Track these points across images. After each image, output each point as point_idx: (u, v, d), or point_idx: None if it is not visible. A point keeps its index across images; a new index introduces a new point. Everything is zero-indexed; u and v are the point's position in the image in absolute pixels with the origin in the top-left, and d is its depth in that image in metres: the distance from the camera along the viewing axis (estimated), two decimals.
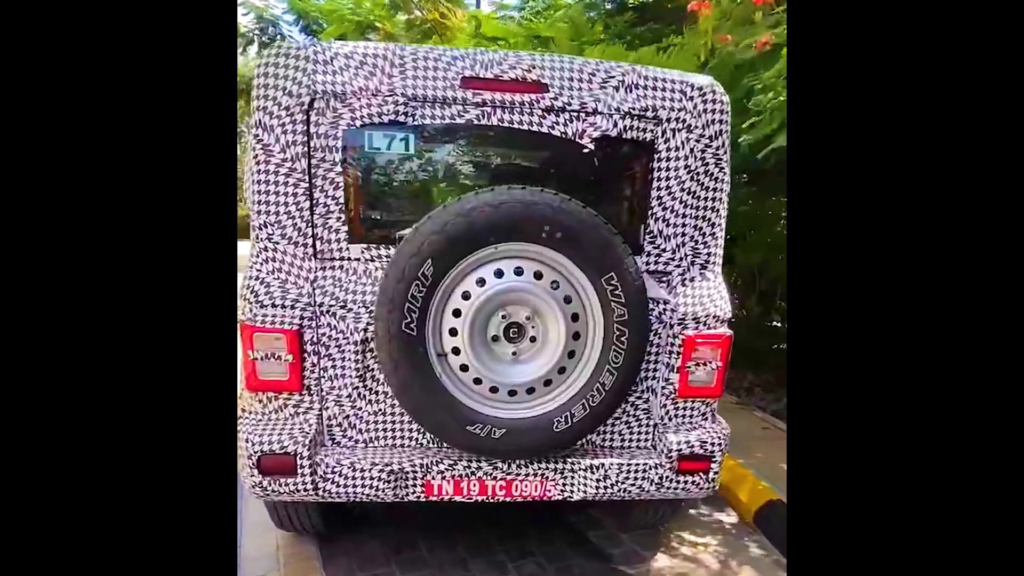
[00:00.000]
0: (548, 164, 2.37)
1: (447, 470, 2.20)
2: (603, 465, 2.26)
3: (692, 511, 3.23)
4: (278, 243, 2.10)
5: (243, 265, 2.14)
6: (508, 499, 2.28)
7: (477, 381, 2.03)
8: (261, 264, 2.11)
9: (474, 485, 2.25)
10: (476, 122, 2.10)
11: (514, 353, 2.04)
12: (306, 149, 2.05)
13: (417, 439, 2.26)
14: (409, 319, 1.90)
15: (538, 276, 1.97)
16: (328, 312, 2.10)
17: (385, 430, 2.24)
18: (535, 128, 2.12)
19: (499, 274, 1.95)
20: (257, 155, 2.05)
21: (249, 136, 2.09)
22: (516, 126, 2.11)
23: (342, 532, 2.83)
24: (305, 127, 2.03)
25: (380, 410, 2.21)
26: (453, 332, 1.98)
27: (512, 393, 2.06)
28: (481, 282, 1.95)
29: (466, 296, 1.96)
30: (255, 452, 2.10)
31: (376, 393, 2.19)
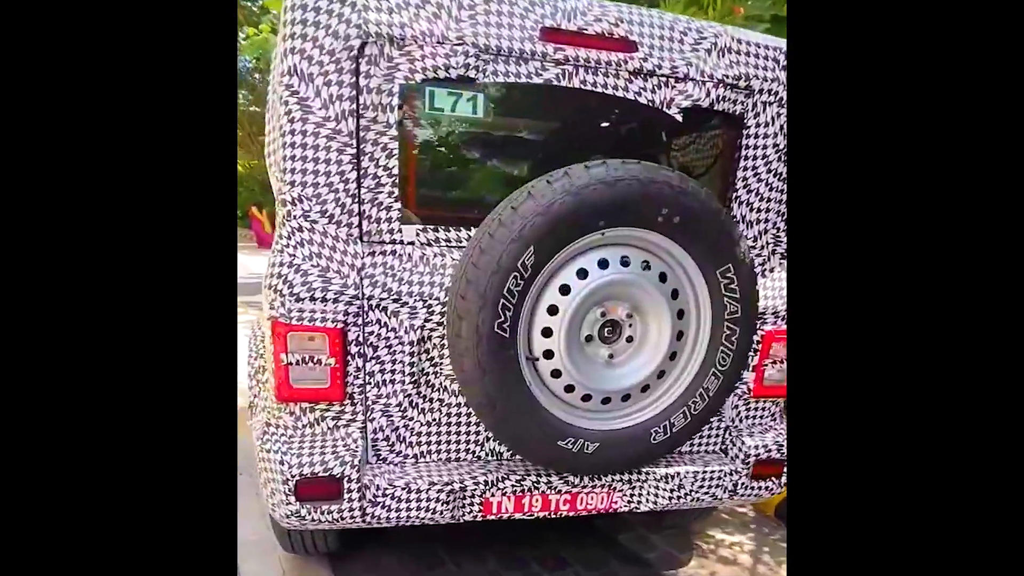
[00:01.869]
0: (622, 135, 2.08)
1: (512, 486, 1.91)
2: (678, 474, 2.04)
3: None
4: (316, 222, 1.70)
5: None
6: (572, 513, 2.03)
7: (569, 388, 1.73)
8: (295, 248, 1.70)
9: (536, 500, 1.97)
10: (555, 82, 1.77)
11: (610, 355, 1.75)
12: (354, 106, 1.65)
13: (475, 452, 1.95)
14: (503, 318, 1.57)
15: (646, 267, 1.70)
16: (378, 307, 1.74)
17: (439, 443, 1.91)
18: (619, 94, 1.82)
19: (603, 264, 1.65)
20: (291, 111, 1.63)
21: (277, 87, 1.67)
22: (600, 89, 1.80)
23: (355, 548, 2.49)
24: (354, 78, 1.63)
25: (434, 420, 1.88)
26: (547, 332, 1.66)
27: (606, 401, 1.78)
28: (583, 273, 1.64)
29: (564, 290, 1.64)
30: (292, 476, 1.72)
31: (430, 401, 1.85)
